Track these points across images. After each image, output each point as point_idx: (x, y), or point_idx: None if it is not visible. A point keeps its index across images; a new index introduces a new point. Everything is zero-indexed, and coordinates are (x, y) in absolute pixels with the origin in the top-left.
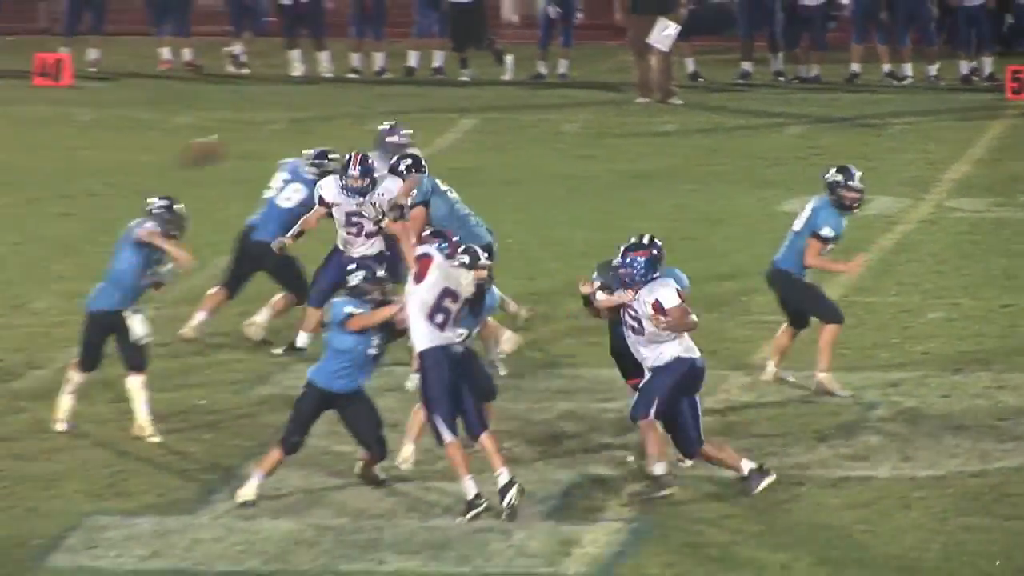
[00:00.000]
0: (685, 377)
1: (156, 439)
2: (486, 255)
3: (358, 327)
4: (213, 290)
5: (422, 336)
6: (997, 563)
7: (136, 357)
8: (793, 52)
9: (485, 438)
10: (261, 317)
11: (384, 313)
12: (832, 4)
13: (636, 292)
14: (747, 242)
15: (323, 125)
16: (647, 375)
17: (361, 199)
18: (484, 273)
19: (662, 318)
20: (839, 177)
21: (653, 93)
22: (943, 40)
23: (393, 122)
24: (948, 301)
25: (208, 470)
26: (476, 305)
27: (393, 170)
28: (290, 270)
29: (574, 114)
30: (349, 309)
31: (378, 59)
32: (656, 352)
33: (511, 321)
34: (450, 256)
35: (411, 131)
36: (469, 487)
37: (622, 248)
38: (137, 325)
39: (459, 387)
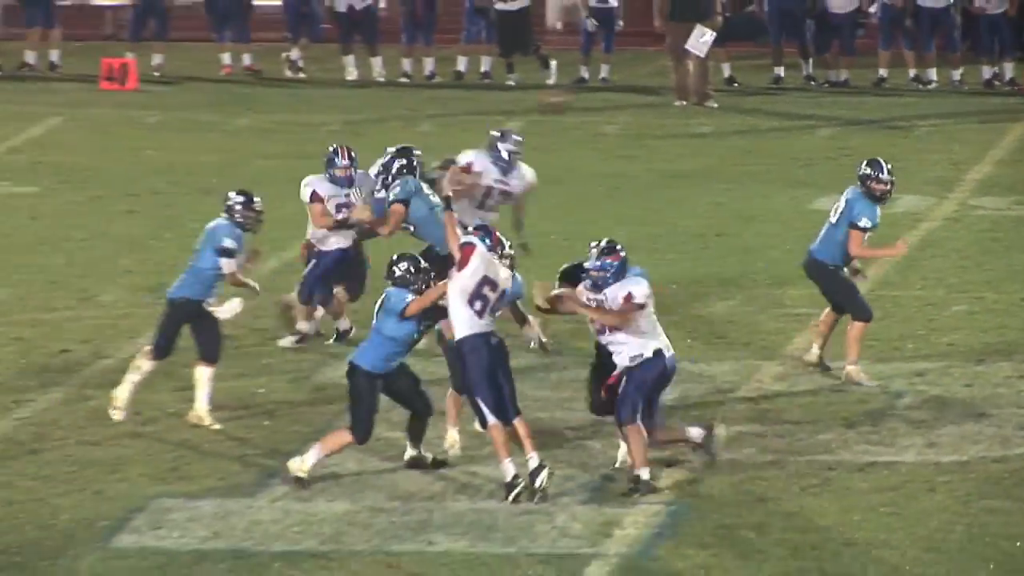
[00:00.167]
0: (661, 375)
1: (216, 427)
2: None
3: (417, 310)
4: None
5: (462, 323)
6: (1018, 544)
7: (211, 349)
8: (823, 57)
9: (518, 423)
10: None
11: (439, 290)
12: (860, 12)
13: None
14: (780, 239)
15: (375, 127)
16: (625, 378)
17: (348, 190)
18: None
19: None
20: (869, 170)
21: (690, 96)
22: (966, 46)
23: (503, 131)
24: (971, 295)
25: (267, 455)
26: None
27: (387, 168)
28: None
29: (615, 116)
30: (408, 297)
31: (428, 64)
32: (638, 345)
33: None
34: (492, 249)
35: (521, 138)
36: (508, 469)
37: (594, 252)
38: (225, 310)
39: (496, 373)
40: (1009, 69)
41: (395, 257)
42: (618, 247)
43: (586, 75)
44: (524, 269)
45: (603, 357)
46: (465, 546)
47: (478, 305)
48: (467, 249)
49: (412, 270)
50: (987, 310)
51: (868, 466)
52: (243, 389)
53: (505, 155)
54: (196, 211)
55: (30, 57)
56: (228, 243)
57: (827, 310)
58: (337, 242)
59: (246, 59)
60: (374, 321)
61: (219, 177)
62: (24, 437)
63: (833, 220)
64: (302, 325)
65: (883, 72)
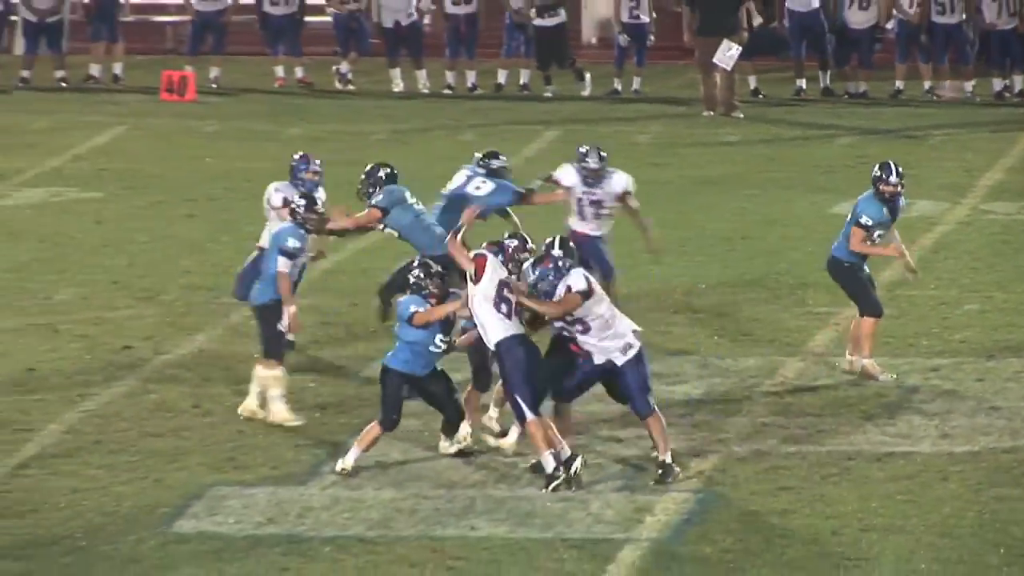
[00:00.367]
0: (645, 363)
1: (298, 422)
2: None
3: (421, 323)
4: None
5: (494, 328)
6: None
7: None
8: (843, 70)
9: (547, 417)
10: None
11: (445, 309)
12: (878, 27)
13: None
14: (802, 241)
15: (420, 136)
16: (627, 373)
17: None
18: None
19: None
20: (879, 172)
21: (718, 107)
22: (980, 60)
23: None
24: (982, 295)
25: (317, 445)
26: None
27: (369, 176)
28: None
29: (646, 126)
30: (413, 308)
31: (470, 77)
32: (614, 340)
33: None
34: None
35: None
36: (549, 461)
37: (527, 268)
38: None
39: (532, 371)
40: (1019, 82)
41: (413, 263)
42: (544, 251)
43: (619, 87)
44: None
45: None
46: (505, 531)
47: (504, 308)
48: (479, 260)
49: (422, 275)
50: (997, 309)
51: (885, 456)
52: (295, 384)
53: (590, 167)
54: (251, 215)
55: (95, 70)
56: (291, 243)
57: (855, 318)
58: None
59: (298, 72)
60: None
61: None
62: (89, 429)
63: (848, 220)
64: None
65: (899, 84)
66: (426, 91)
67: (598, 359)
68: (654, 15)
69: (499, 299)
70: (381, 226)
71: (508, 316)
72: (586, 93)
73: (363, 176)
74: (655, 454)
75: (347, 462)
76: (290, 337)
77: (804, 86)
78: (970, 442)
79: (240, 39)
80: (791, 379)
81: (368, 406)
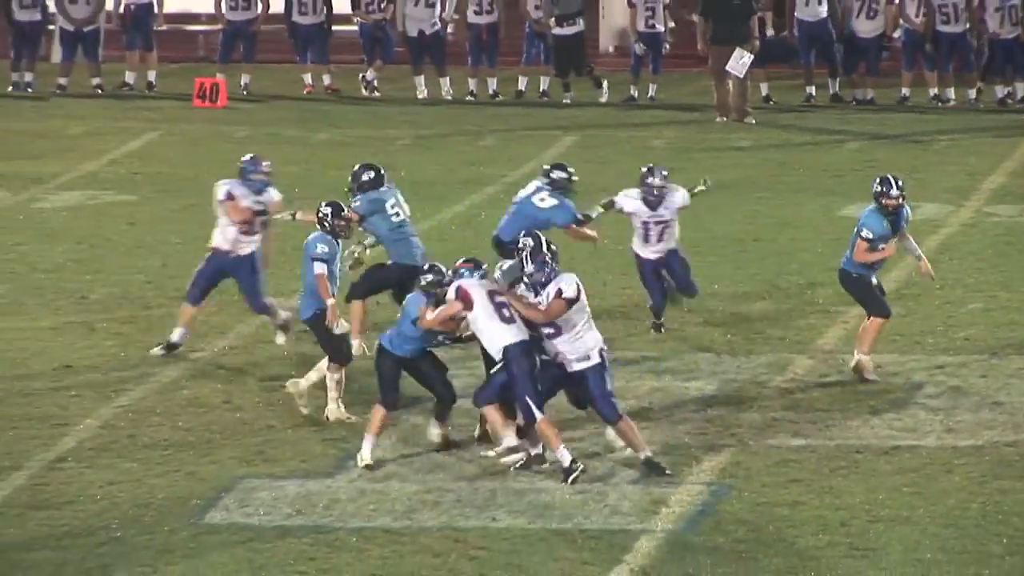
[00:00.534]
0: (606, 367)
1: (352, 419)
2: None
3: (426, 325)
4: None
5: (501, 335)
6: None
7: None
8: (851, 78)
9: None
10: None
11: (449, 311)
12: (885, 36)
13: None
14: (811, 243)
15: (444, 141)
16: (588, 379)
17: (261, 196)
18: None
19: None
20: (880, 188)
21: (730, 113)
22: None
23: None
24: (986, 294)
25: (344, 439)
26: None
27: (355, 179)
28: None
29: (661, 132)
30: (421, 309)
31: (492, 84)
32: (577, 349)
33: None
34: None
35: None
36: (564, 455)
37: (527, 255)
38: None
39: (534, 373)
40: (1021, 89)
41: (427, 265)
42: (543, 245)
43: (635, 94)
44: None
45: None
46: (525, 523)
47: (506, 312)
48: (462, 292)
49: (437, 279)
50: (1001, 308)
51: (892, 450)
52: (322, 380)
53: (655, 185)
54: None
55: (130, 77)
56: (320, 249)
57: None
58: (246, 248)
59: (326, 79)
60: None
61: (300, 186)
62: (123, 423)
63: (853, 234)
64: (178, 334)
65: (906, 91)
66: (449, 98)
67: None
68: (671, 25)
69: (497, 308)
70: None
71: (511, 320)
72: (603, 100)
73: (350, 177)
74: (636, 453)
75: (364, 455)
76: (338, 330)
77: (814, 93)
78: (974, 436)
79: (270, 47)
80: (801, 375)
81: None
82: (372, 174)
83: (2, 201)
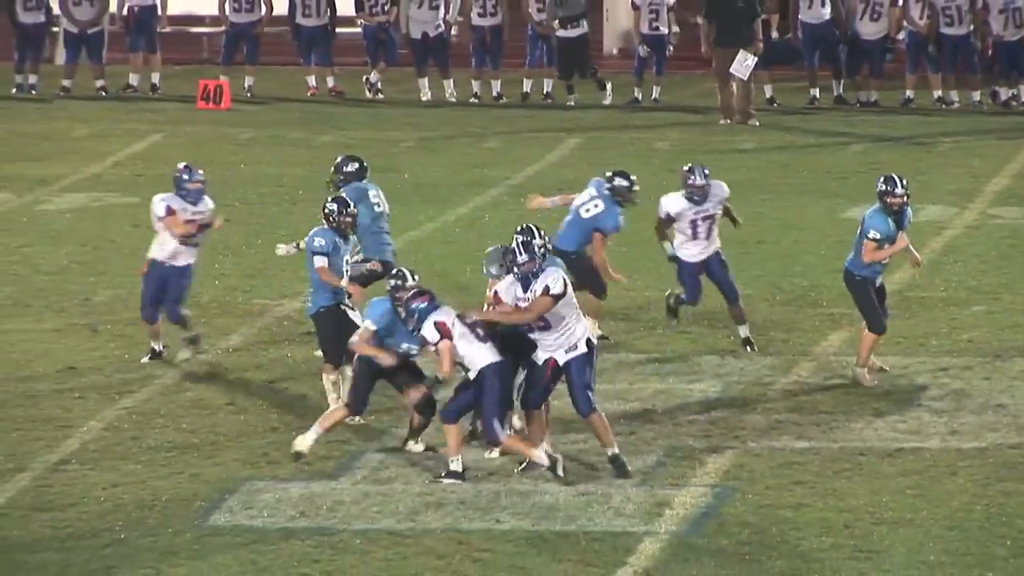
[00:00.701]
0: (592, 358)
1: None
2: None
3: (358, 350)
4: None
5: (480, 357)
6: None
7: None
8: (855, 80)
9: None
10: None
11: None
12: (889, 38)
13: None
14: (815, 245)
15: (448, 143)
16: (571, 369)
17: (196, 207)
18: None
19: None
20: (885, 187)
21: (734, 115)
22: (986, 70)
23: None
24: (990, 296)
25: (347, 442)
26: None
27: (339, 169)
28: (589, 274)
29: (665, 134)
30: (369, 322)
31: (496, 86)
32: (568, 337)
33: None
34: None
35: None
36: (541, 458)
37: (519, 245)
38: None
39: (507, 393)
40: None
41: (394, 270)
42: (537, 236)
43: (639, 96)
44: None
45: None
46: (529, 525)
47: (479, 331)
48: (443, 328)
49: (401, 283)
50: (1004, 310)
51: (896, 452)
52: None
53: (697, 184)
54: (284, 219)
55: (133, 79)
56: (317, 241)
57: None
58: (185, 258)
59: (330, 81)
60: None
61: (304, 189)
62: (127, 425)
63: (857, 233)
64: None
65: (910, 93)
66: (453, 100)
67: (542, 356)
68: (675, 29)
69: (470, 328)
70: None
71: (486, 339)
72: (607, 102)
73: (333, 168)
74: (603, 448)
75: (300, 443)
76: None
77: (818, 95)
78: (978, 438)
79: (273, 49)
80: (805, 378)
81: (395, 403)
82: (356, 165)
83: (6, 203)
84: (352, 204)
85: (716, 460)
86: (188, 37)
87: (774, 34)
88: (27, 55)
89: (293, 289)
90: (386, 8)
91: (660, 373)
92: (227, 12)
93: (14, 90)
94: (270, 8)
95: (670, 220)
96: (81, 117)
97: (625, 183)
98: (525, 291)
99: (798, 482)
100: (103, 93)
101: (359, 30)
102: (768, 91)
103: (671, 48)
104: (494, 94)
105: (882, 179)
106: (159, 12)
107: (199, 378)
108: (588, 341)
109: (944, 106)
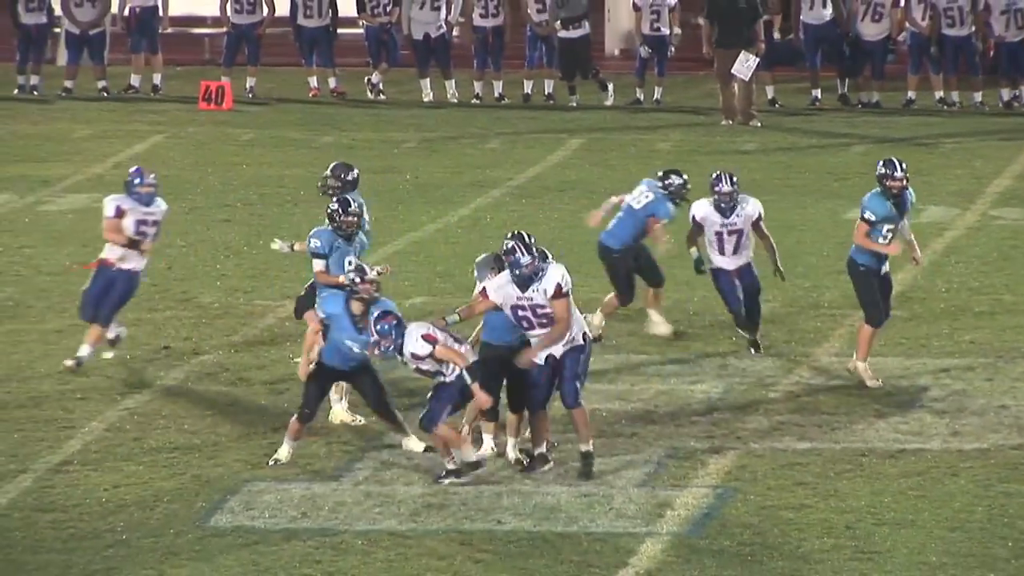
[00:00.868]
0: (587, 352)
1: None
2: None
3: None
4: (608, 296)
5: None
6: None
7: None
8: (856, 81)
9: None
10: (596, 318)
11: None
12: (890, 39)
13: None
14: (817, 245)
15: (450, 144)
16: (565, 360)
17: (149, 208)
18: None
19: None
20: (884, 170)
21: (736, 116)
22: (988, 72)
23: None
24: (992, 297)
25: (349, 443)
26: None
27: (338, 176)
28: (621, 275)
29: (667, 134)
30: (323, 313)
31: (497, 87)
32: (569, 332)
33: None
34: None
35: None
36: (468, 453)
37: (517, 248)
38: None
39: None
40: None
41: (353, 264)
42: (531, 239)
43: (641, 97)
44: (583, 274)
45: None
46: (531, 526)
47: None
48: (429, 336)
49: (360, 278)
50: (1006, 311)
51: (897, 453)
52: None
53: (723, 191)
54: (286, 220)
55: (135, 80)
56: (314, 243)
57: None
58: (134, 263)
59: (331, 82)
60: None
61: (305, 189)
62: (129, 426)
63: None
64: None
65: (911, 94)
66: (455, 101)
67: (541, 355)
68: (677, 30)
69: (445, 332)
70: None
71: (462, 340)
72: (609, 103)
73: (331, 174)
74: (578, 442)
75: (283, 452)
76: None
77: (819, 96)
78: (979, 439)
79: (275, 50)
80: (807, 379)
81: (398, 406)
82: (356, 173)
83: (8, 204)
84: (354, 204)
85: (718, 461)
86: (190, 38)
87: (776, 35)
88: (29, 56)
89: (294, 290)
90: (388, 9)
91: (662, 374)
92: (229, 13)
93: (16, 91)
94: (272, 9)
95: (700, 227)
96: (83, 118)
97: (679, 180)
98: (524, 291)
99: (800, 483)
100: (105, 94)
101: (361, 31)
102: (770, 92)
103: (673, 49)
104: (496, 95)
105: (882, 163)
106: (160, 13)
107: (201, 379)
108: (584, 335)
109: (946, 107)
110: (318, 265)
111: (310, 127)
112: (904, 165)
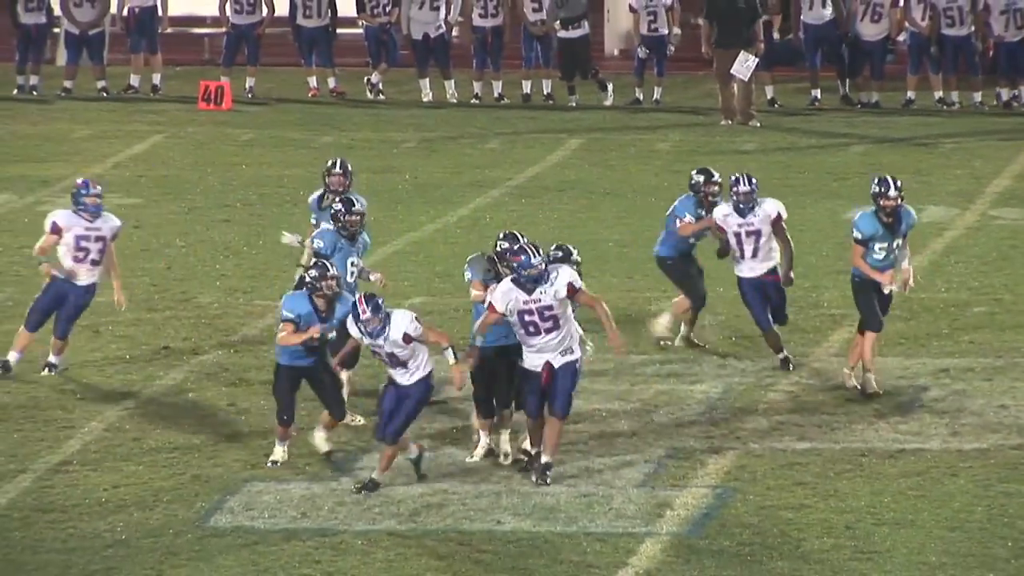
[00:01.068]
0: (582, 365)
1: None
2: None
3: (283, 343)
4: (678, 298)
5: (425, 365)
6: None
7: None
8: (855, 81)
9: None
10: (664, 319)
11: (301, 338)
12: (890, 39)
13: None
14: (817, 246)
15: (449, 144)
16: (560, 373)
17: (94, 222)
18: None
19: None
20: (877, 188)
21: (735, 116)
22: (987, 71)
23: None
24: (991, 297)
25: (348, 443)
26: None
27: (348, 174)
28: (687, 279)
29: (667, 135)
30: (287, 315)
31: (497, 87)
32: (569, 338)
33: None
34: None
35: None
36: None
37: (525, 251)
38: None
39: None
40: None
41: (313, 261)
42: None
43: (640, 97)
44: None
45: (496, 359)
46: (530, 526)
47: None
48: (418, 318)
49: (321, 275)
50: (1006, 311)
51: (897, 453)
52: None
53: (741, 191)
54: (285, 220)
55: (134, 80)
56: (316, 243)
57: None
58: (86, 278)
59: (331, 82)
60: None
61: (305, 189)
62: (129, 426)
63: None
64: (52, 358)
65: (911, 94)
66: (454, 101)
67: (536, 363)
68: (676, 30)
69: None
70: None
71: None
72: (608, 103)
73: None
74: (543, 453)
75: (276, 455)
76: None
77: (819, 96)
78: (979, 439)
79: (274, 50)
80: (806, 379)
81: None
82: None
83: (8, 204)
84: (358, 203)
85: (717, 461)
86: (189, 38)
87: (775, 35)
88: (28, 56)
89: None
90: (387, 9)
91: (661, 374)
92: (228, 13)
93: (15, 91)
94: (271, 9)
95: (723, 230)
96: (82, 118)
97: (699, 177)
98: (531, 293)
99: (799, 483)
100: (104, 94)
101: (360, 31)
102: (769, 92)
103: (672, 49)
104: (495, 95)
105: (876, 180)
106: (159, 13)
107: (200, 379)
108: (581, 340)
109: (945, 107)
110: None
111: (309, 127)
112: (899, 183)
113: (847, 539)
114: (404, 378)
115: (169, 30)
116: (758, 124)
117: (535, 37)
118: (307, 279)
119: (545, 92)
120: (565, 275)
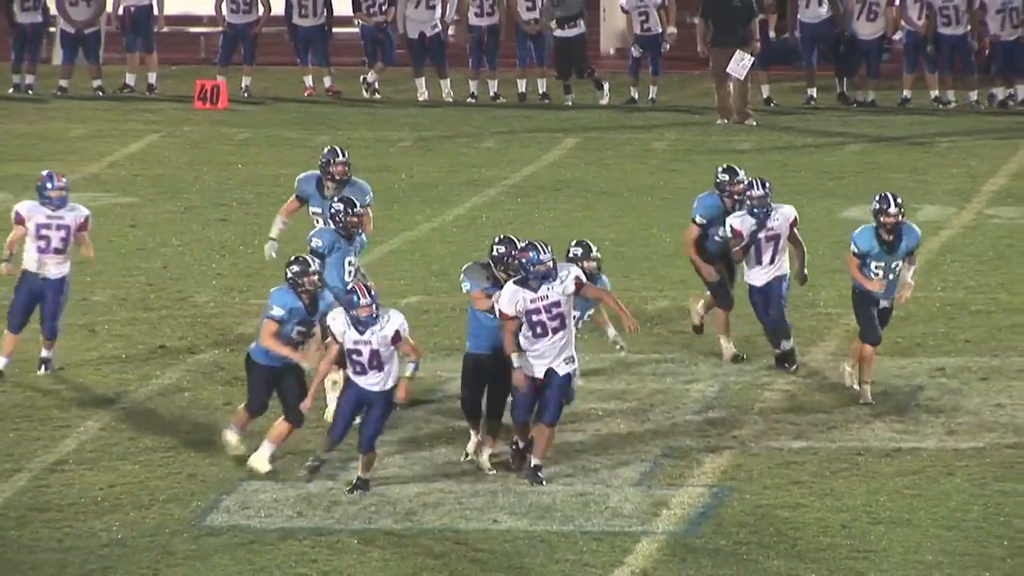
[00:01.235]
0: (576, 372)
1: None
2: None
3: (268, 346)
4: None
5: (396, 372)
6: None
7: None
8: (852, 80)
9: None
10: (698, 305)
11: (285, 352)
12: (886, 38)
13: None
14: (813, 245)
15: (445, 143)
16: (559, 383)
17: (59, 212)
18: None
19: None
20: (878, 205)
21: (731, 115)
22: (983, 70)
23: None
24: (987, 296)
25: (344, 442)
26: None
27: (324, 168)
28: (714, 284)
29: (663, 134)
30: (274, 313)
31: (492, 86)
32: (569, 346)
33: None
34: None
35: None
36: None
37: (534, 251)
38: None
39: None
40: (1021, 91)
41: (293, 256)
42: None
43: (636, 96)
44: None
45: (486, 367)
46: (526, 524)
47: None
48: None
49: (302, 271)
50: (1002, 310)
51: (893, 452)
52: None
53: (755, 196)
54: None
55: (130, 79)
56: (315, 242)
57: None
58: (56, 270)
59: (327, 81)
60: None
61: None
62: (125, 425)
63: None
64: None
65: (907, 93)
66: (450, 100)
67: (538, 371)
68: (671, 29)
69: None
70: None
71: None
72: (604, 102)
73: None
74: (531, 456)
75: (257, 462)
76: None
77: (815, 95)
78: (975, 438)
79: (271, 50)
80: (803, 377)
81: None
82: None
83: (3, 203)
84: (359, 204)
85: (714, 460)
86: (185, 37)
87: (771, 33)
88: (24, 55)
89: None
90: (383, 8)
91: (657, 373)
92: (224, 12)
93: (11, 90)
94: (268, 8)
95: (739, 238)
96: (78, 117)
97: (724, 176)
98: (537, 291)
99: (796, 482)
100: (100, 93)
101: (356, 30)
102: (765, 91)
103: (666, 47)
104: (491, 94)
105: (876, 197)
106: (155, 12)
107: (196, 378)
108: (613, 341)
109: (941, 106)
110: (317, 266)
111: (306, 126)
112: (899, 200)
113: (843, 538)
114: (374, 384)
115: (165, 29)
116: (754, 123)
117: (529, 36)
118: (288, 274)
119: (541, 91)
120: (573, 270)
